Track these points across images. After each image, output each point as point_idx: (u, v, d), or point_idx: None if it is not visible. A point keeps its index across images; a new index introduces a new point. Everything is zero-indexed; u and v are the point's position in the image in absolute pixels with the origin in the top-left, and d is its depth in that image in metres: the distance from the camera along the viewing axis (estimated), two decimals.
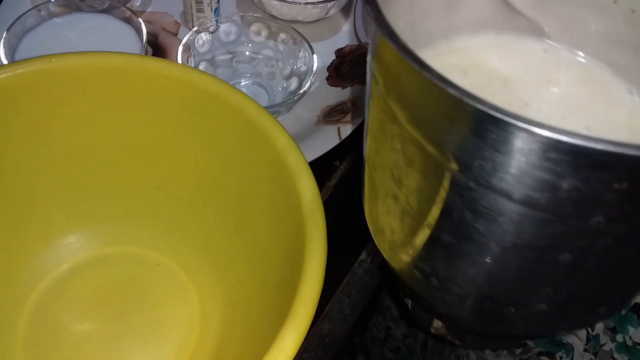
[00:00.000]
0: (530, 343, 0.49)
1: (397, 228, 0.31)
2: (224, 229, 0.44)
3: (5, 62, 0.50)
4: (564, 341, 0.49)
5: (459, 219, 0.26)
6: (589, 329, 0.47)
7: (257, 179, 0.40)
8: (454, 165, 0.24)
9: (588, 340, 0.49)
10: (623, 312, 0.45)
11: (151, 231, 0.47)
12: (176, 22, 0.62)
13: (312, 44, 0.54)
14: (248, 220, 0.42)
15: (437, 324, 0.42)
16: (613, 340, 0.46)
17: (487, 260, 0.26)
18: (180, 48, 0.54)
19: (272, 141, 0.38)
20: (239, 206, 0.43)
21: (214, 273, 0.45)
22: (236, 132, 0.41)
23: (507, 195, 0.23)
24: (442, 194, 0.26)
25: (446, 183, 0.25)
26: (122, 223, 0.47)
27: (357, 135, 0.53)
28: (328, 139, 0.52)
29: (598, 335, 0.47)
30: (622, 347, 0.45)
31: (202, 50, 0.56)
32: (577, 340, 0.49)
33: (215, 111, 0.41)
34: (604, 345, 0.46)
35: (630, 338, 0.44)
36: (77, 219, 0.46)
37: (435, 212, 0.27)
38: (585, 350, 0.49)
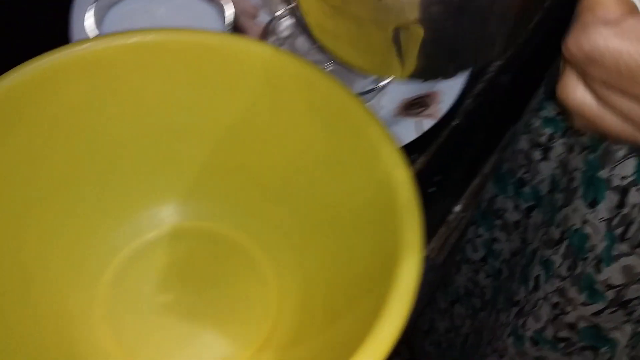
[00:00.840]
0: (574, 337, 0.48)
1: None
2: (306, 214, 0.44)
3: (93, 33, 0.51)
4: (609, 337, 0.48)
5: None
6: (634, 327, 0.47)
7: (345, 166, 0.40)
8: None
9: (632, 336, 0.48)
10: None
11: (232, 209, 0.47)
12: (256, 7, 0.61)
13: None
14: (333, 207, 0.42)
15: None
16: None
17: None
18: (261, 32, 0.54)
19: (365, 130, 0.38)
20: (324, 192, 0.42)
21: (293, 256, 0.45)
22: (327, 119, 0.40)
23: None
24: None
25: None
26: (204, 199, 0.47)
27: (437, 130, 0.53)
28: (406, 131, 0.51)
29: None
30: None
31: (283, 35, 0.56)
32: (620, 335, 0.48)
33: (306, 96, 0.41)
34: None
35: None
36: (160, 192, 0.46)
37: None
38: (626, 345, 0.48)
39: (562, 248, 0.49)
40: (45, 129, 0.39)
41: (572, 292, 0.48)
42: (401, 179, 0.35)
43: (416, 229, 0.34)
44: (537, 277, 0.52)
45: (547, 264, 0.51)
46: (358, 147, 0.38)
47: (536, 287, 0.52)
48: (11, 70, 0.37)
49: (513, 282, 0.59)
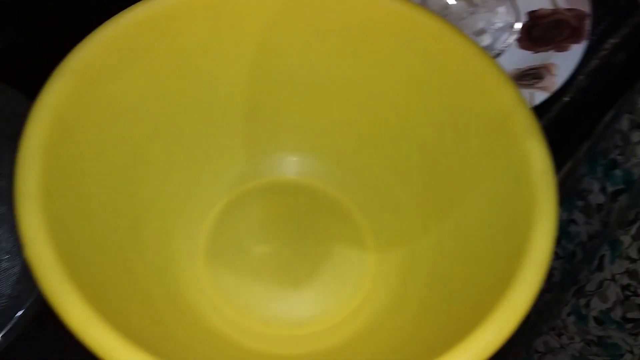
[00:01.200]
0: None
1: None
2: (416, 179, 0.43)
3: None
4: None
5: None
6: None
7: (467, 130, 0.39)
8: None
9: None
10: None
11: (336, 168, 0.46)
12: None
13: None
14: (447, 174, 0.40)
15: None
16: None
17: None
18: None
19: (496, 93, 0.36)
20: (438, 158, 0.41)
21: (395, 220, 0.44)
22: (451, 78, 0.38)
23: None
24: None
25: None
26: (309, 154, 0.46)
27: (548, 104, 0.50)
28: None
29: None
30: None
31: None
32: None
33: (432, 51, 0.39)
34: None
35: None
36: (266, 144, 0.46)
37: None
38: None
39: (634, 229, 0.47)
40: (165, 66, 0.39)
41: None
42: (535, 148, 0.34)
43: (552, 199, 0.32)
44: (602, 256, 0.51)
45: (614, 244, 0.50)
46: (484, 111, 0.37)
47: (600, 267, 0.51)
48: (140, 2, 0.37)
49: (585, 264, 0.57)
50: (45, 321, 0.43)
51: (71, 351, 0.43)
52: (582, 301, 0.54)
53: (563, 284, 0.64)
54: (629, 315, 0.49)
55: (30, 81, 0.34)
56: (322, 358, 0.39)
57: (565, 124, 0.52)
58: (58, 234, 0.30)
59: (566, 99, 0.52)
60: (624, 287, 0.49)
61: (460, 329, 0.29)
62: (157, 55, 0.38)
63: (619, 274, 0.49)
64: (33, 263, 0.29)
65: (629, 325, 0.50)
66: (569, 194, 0.62)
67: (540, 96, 0.50)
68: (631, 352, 0.51)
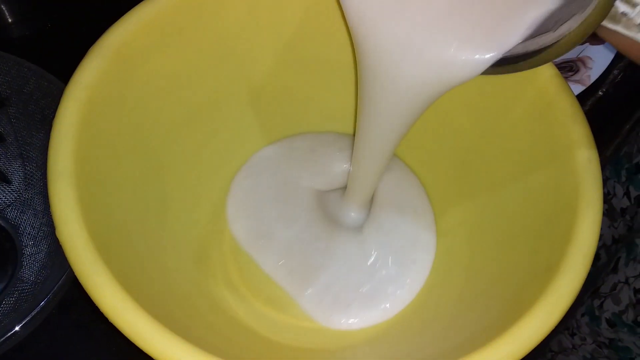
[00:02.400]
0: None
1: None
2: (454, 167, 0.42)
3: None
4: None
5: None
6: None
7: (510, 117, 0.37)
8: None
9: None
10: None
11: None
12: None
13: None
14: (489, 161, 0.39)
15: None
16: None
17: None
18: None
19: (539, 79, 0.35)
20: (479, 145, 0.40)
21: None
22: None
23: None
24: None
25: None
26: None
27: (582, 98, 0.49)
28: None
29: None
30: None
31: None
32: None
33: None
34: None
35: None
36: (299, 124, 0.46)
37: None
38: None
39: None
40: (201, 48, 0.38)
41: None
42: (580, 135, 0.33)
43: (598, 188, 0.31)
44: (618, 259, 0.50)
45: (630, 247, 0.49)
46: (529, 96, 0.36)
47: (615, 269, 0.50)
48: None
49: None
50: (68, 308, 0.42)
51: (93, 339, 0.42)
52: (597, 302, 0.53)
53: (586, 285, 0.63)
54: None
55: (65, 65, 0.34)
56: (357, 350, 0.38)
57: (599, 118, 0.51)
58: (90, 214, 0.30)
59: (600, 93, 0.51)
60: (637, 291, 0.48)
61: (502, 321, 0.29)
62: (193, 37, 0.37)
63: (632, 277, 0.48)
64: (65, 243, 0.28)
65: None
66: None
67: (575, 89, 0.49)
68: None
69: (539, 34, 0.28)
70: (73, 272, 0.28)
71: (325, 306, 0.40)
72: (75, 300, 0.42)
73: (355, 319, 0.40)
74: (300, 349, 0.39)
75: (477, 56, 0.28)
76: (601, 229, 0.62)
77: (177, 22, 0.36)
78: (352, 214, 0.44)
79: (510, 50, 0.28)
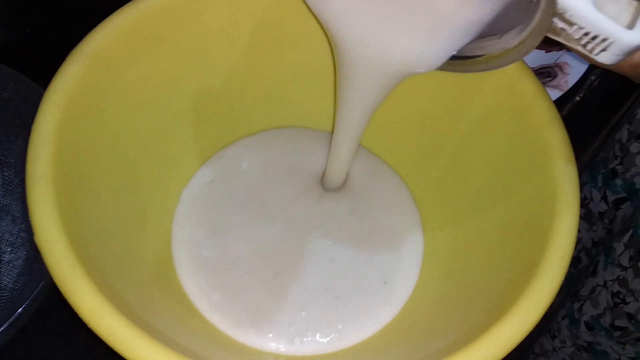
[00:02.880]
0: (630, 327, 0.47)
1: None
2: (434, 172, 0.42)
3: None
4: None
5: None
6: None
7: (488, 123, 0.38)
8: None
9: None
10: None
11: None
12: None
13: None
14: (467, 167, 0.40)
15: None
16: None
17: None
18: None
19: (517, 85, 0.36)
20: (458, 150, 0.40)
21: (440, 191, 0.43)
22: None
23: None
24: None
25: None
26: None
27: (560, 103, 0.50)
28: None
29: None
30: None
31: None
32: None
33: None
34: None
35: None
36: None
37: None
38: None
39: (626, 237, 0.47)
40: (182, 55, 0.38)
41: (635, 284, 0.46)
42: (556, 139, 0.33)
43: (574, 191, 0.31)
44: (597, 262, 0.51)
45: (609, 251, 0.49)
46: (507, 104, 0.36)
47: (594, 273, 0.51)
48: None
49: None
50: (48, 315, 0.42)
51: (73, 346, 0.42)
52: (576, 305, 0.54)
53: (568, 288, 0.64)
54: (617, 323, 0.49)
55: (44, 70, 0.34)
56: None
57: (576, 122, 0.52)
58: (69, 219, 0.29)
59: (577, 98, 0.52)
60: (614, 295, 0.48)
61: (482, 323, 0.29)
62: (174, 43, 0.37)
63: (610, 280, 0.49)
64: (43, 248, 0.28)
65: (617, 333, 0.50)
66: None
67: (553, 95, 0.49)
68: None
69: (485, 38, 0.30)
70: (52, 279, 0.28)
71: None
72: (55, 307, 0.41)
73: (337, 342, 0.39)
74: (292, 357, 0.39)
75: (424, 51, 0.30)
76: (580, 232, 0.63)
77: (159, 28, 0.36)
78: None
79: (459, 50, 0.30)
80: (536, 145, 0.34)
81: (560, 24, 0.26)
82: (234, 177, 0.45)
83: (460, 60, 0.32)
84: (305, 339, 0.39)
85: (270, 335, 0.39)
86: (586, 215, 0.60)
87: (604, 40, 0.26)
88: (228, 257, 0.41)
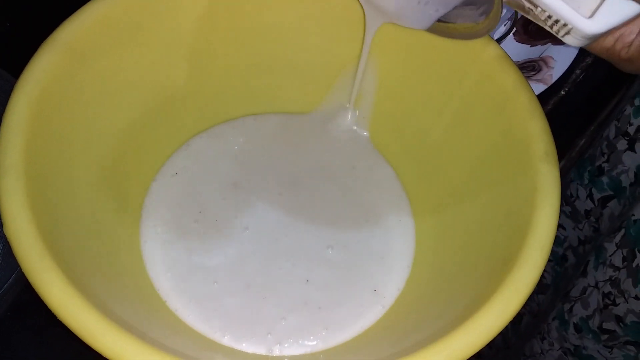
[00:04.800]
0: (619, 331, 0.47)
1: None
2: (413, 165, 0.42)
3: None
4: None
5: None
6: None
7: (468, 113, 0.38)
8: None
9: None
10: None
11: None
12: None
13: None
14: (448, 158, 0.40)
15: None
16: None
17: None
18: None
19: (498, 75, 0.35)
20: (438, 141, 0.40)
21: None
22: (453, 62, 0.38)
23: None
24: None
25: None
26: None
27: (545, 97, 0.50)
28: None
29: None
30: None
31: None
32: None
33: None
34: None
35: None
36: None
37: None
38: None
39: (618, 237, 0.47)
40: (159, 46, 0.38)
41: (626, 284, 0.46)
42: (537, 129, 0.33)
43: (555, 181, 0.31)
44: (587, 262, 0.50)
45: (599, 251, 0.49)
46: (487, 94, 0.36)
47: (584, 273, 0.50)
48: None
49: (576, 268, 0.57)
50: (22, 312, 0.41)
51: (48, 343, 0.41)
52: (567, 306, 0.53)
53: (556, 286, 0.63)
54: (605, 325, 0.48)
55: (23, 63, 0.33)
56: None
57: (561, 117, 0.51)
58: (39, 210, 0.29)
59: (562, 92, 0.52)
60: (605, 295, 0.48)
61: (463, 313, 0.28)
62: (149, 34, 0.37)
63: (602, 281, 0.49)
64: (12, 239, 0.28)
65: (605, 337, 0.49)
66: None
67: (537, 88, 0.49)
68: None
69: (467, 7, 0.32)
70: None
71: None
72: (30, 304, 0.41)
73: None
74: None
75: None
76: (566, 230, 0.63)
77: (133, 18, 0.35)
78: None
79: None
80: (516, 135, 0.33)
81: (527, 4, 0.28)
82: (200, 169, 0.43)
83: (443, 24, 0.34)
84: (286, 345, 0.38)
85: (244, 344, 0.37)
86: (572, 214, 0.60)
87: (565, 25, 0.27)
88: (194, 264, 0.40)
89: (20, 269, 0.27)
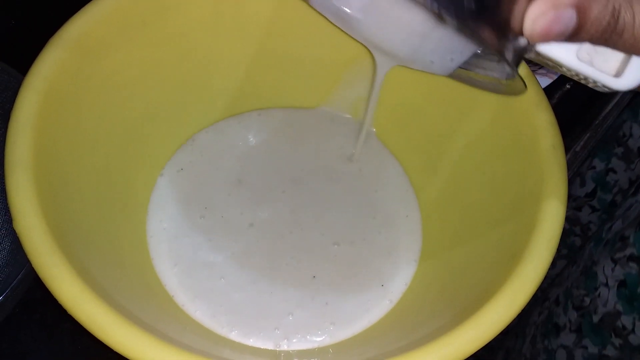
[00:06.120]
0: None
1: None
2: (418, 156, 0.42)
3: None
4: None
5: None
6: None
7: (474, 105, 0.37)
8: None
9: None
10: None
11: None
12: None
13: None
14: (453, 150, 0.39)
15: None
16: None
17: None
18: None
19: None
20: (444, 133, 0.40)
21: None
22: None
23: None
24: None
25: None
26: None
27: (550, 91, 0.50)
28: None
29: None
30: None
31: None
32: None
33: None
34: None
35: None
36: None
37: None
38: None
39: None
40: (165, 44, 0.38)
41: None
42: (544, 122, 0.33)
43: (562, 173, 0.31)
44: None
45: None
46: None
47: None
48: None
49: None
50: (32, 307, 0.41)
51: (57, 338, 0.41)
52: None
53: (599, 235, 0.59)
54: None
55: (29, 61, 0.33)
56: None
57: (566, 110, 0.51)
58: (49, 206, 0.29)
59: (568, 86, 0.52)
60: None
61: (470, 307, 0.28)
62: (156, 31, 0.37)
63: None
64: (22, 235, 0.28)
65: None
66: (605, 144, 0.58)
67: (542, 82, 0.49)
68: None
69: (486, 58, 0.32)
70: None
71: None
72: (39, 299, 0.41)
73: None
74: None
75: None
76: (617, 174, 0.60)
77: (140, 14, 0.35)
78: None
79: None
80: (523, 129, 0.33)
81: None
82: (206, 165, 0.43)
83: (464, 71, 0.33)
84: (294, 340, 0.38)
85: (252, 340, 0.38)
86: (624, 154, 0.57)
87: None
88: (200, 259, 0.40)
89: (29, 265, 0.27)
